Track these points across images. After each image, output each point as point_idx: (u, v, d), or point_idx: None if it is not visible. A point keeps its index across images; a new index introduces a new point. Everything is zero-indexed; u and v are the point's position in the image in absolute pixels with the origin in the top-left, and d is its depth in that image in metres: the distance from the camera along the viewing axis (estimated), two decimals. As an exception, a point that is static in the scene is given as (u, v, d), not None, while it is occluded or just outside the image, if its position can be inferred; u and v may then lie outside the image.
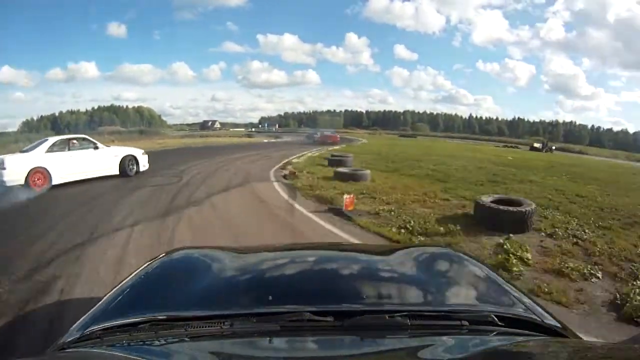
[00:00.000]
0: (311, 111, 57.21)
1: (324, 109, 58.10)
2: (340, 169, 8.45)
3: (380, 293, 1.20)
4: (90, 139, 8.96)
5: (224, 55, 68.89)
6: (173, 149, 18.73)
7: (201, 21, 57.90)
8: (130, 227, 4.67)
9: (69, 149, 8.09)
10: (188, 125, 48.89)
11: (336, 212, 5.13)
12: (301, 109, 58.63)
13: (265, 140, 30.54)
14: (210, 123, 48.21)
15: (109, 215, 5.24)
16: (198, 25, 59.84)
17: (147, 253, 2.92)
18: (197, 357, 0.92)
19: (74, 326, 1.06)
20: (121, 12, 58.81)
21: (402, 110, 55.83)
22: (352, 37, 54.52)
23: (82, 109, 45.49)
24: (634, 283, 3.20)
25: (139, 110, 47.36)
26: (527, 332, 0.97)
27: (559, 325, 1.05)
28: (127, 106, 47.36)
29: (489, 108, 60.50)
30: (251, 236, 4.32)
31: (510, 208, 4.73)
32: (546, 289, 3.12)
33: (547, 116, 58.39)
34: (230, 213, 5.65)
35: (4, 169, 6.95)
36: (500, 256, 3.65)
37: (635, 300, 2.82)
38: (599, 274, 3.44)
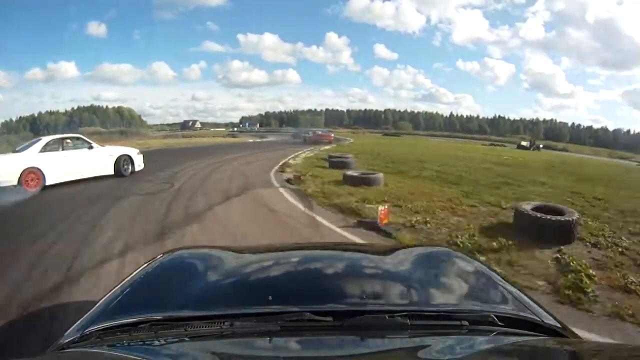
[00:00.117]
0: (292, 110, 58.13)
1: (305, 108, 59.27)
2: (350, 172, 7.99)
3: (380, 293, 1.21)
4: (85, 138, 8.83)
5: (205, 54, 70.79)
6: (157, 150, 17.70)
7: (181, 21, 59.12)
8: (119, 257, 3.69)
9: (62, 149, 8.01)
10: (168, 125, 49.51)
11: (369, 226, 4.60)
12: (282, 108, 59.67)
13: (251, 140, 29.80)
14: (190, 123, 48.37)
15: (92, 235, 4.39)
16: (178, 25, 60.90)
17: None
18: (197, 357, 0.92)
19: (73, 326, 1.06)
20: (101, 11, 59.63)
21: (382, 109, 57.37)
22: (332, 37, 55.64)
23: (62, 110, 45.78)
24: None
25: (119, 111, 47.66)
26: (527, 332, 0.98)
27: (559, 325, 1.05)
28: (107, 106, 47.69)
29: (469, 106, 62.32)
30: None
31: (556, 217, 4.50)
32: (630, 311, 2.85)
33: (527, 114, 60.65)
34: (242, 230, 4.74)
35: None
36: (570, 276, 3.34)
37: None
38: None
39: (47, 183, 7.43)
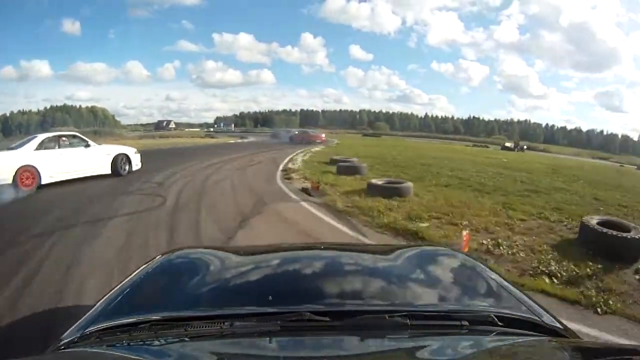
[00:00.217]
0: (267, 111, 58.20)
1: (280, 108, 59.35)
2: (374, 181, 7.35)
3: (380, 293, 1.21)
4: (81, 136, 8.76)
5: (179, 54, 68.54)
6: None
7: (156, 19, 56.87)
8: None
9: (59, 147, 7.94)
10: (142, 125, 48.41)
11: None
12: (256, 108, 59.58)
13: (232, 141, 28.53)
14: (165, 123, 47.44)
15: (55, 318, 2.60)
16: (153, 23, 59.14)
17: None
18: (197, 357, 0.93)
19: (73, 326, 1.07)
20: (76, 9, 56.92)
21: (358, 110, 57.96)
22: (307, 37, 55.96)
23: (35, 109, 44.70)
24: None
25: (92, 110, 46.97)
26: (527, 332, 0.99)
27: (559, 325, 1.07)
28: (80, 106, 46.91)
29: (443, 107, 63.77)
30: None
31: (622, 234, 4.23)
32: None
33: (501, 115, 62.60)
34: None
35: None
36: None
37: None
38: None
39: (43, 182, 7.37)
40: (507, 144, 31.05)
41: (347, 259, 1.51)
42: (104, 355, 0.91)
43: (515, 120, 51.93)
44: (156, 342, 0.92)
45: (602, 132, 40.95)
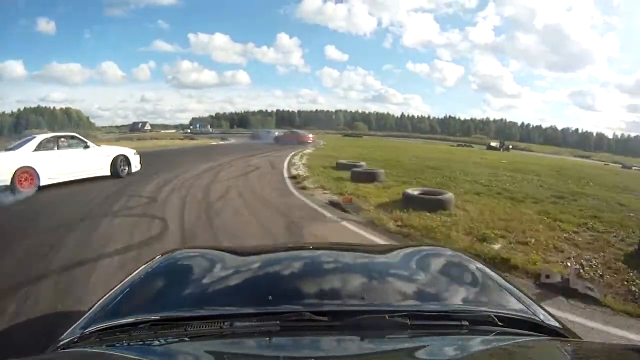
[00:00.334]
0: (242, 111, 58.93)
1: (255, 109, 60.39)
2: (410, 191, 7.04)
3: (380, 293, 1.23)
4: (80, 137, 8.79)
5: (154, 54, 72.51)
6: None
7: (132, 19, 57.70)
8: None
9: (57, 148, 7.99)
10: (117, 127, 48.08)
11: (564, 292, 3.44)
12: (232, 109, 60.36)
13: (214, 143, 27.54)
14: (140, 125, 46.71)
15: None
16: (129, 23, 60.05)
17: None
18: (197, 357, 0.93)
19: (73, 326, 1.07)
20: (51, 7, 57.54)
21: (334, 110, 59.70)
22: (283, 38, 57.27)
23: (8, 111, 44.45)
24: None
25: (67, 112, 46.85)
26: (527, 332, 1.00)
27: (559, 325, 1.08)
28: (54, 107, 47.00)
29: (418, 107, 66.16)
30: None
31: None
32: None
33: (476, 114, 65.49)
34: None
35: None
36: None
37: None
38: None
39: (42, 184, 7.39)
40: (493, 144, 32.06)
41: (347, 258, 1.53)
42: (104, 355, 0.92)
43: (491, 119, 54.19)
44: (156, 342, 0.93)
45: (577, 130, 43.67)
